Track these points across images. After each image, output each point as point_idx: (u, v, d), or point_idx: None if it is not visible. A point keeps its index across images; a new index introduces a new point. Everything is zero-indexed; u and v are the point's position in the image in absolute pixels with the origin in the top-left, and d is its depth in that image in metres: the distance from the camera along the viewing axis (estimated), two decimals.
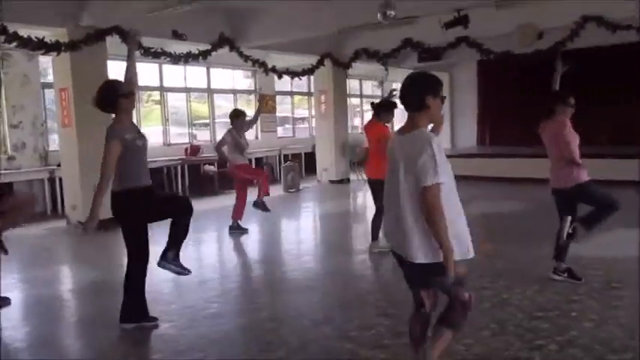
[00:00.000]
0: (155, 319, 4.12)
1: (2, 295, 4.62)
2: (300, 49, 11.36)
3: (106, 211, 3.84)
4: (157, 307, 4.34)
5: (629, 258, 5.34)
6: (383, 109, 5.89)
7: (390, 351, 3.45)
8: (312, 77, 13.08)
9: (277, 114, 14.57)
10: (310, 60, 12.01)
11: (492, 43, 10.47)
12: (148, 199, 4.00)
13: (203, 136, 13.03)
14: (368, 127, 6.11)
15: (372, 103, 6.11)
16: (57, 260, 6.83)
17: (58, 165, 9.17)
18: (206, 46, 9.64)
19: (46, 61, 9.77)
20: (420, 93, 2.73)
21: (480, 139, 16.53)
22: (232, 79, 13.65)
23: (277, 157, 13.89)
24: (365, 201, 11.17)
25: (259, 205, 7.49)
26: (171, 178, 11.42)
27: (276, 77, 11.89)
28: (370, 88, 18.29)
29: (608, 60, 11.95)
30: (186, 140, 12.41)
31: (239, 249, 7.00)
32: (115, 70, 10.17)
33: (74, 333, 4.33)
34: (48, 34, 7.64)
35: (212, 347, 3.70)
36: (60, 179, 9.19)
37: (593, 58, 11.25)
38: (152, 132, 12.40)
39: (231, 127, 7.34)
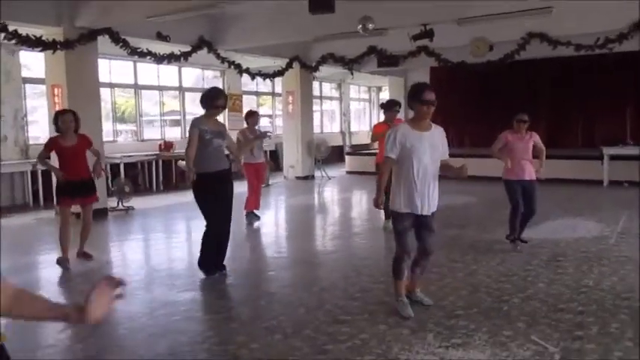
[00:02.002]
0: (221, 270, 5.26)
1: None
2: (270, 52, 12.05)
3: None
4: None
5: (569, 239, 6.46)
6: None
7: (389, 305, 4.29)
8: (275, 79, 13.79)
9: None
10: (279, 62, 12.73)
11: (448, 53, 11.58)
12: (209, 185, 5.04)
13: (173, 133, 13.50)
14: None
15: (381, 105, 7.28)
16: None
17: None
18: (186, 48, 10.21)
19: (26, 57, 10.07)
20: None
21: None
22: (202, 78, 14.17)
23: None
24: (330, 194, 12.08)
25: (246, 215, 8.06)
26: (144, 172, 11.87)
27: (241, 77, 12.60)
28: (329, 90, 19.20)
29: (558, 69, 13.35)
30: (159, 136, 12.87)
31: (251, 235, 7.66)
32: (104, 68, 10.58)
33: None
34: (44, 32, 8.03)
35: (266, 298, 4.44)
36: (41, 172, 9.50)
37: (540, 68, 12.65)
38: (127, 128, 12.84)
39: (245, 126, 7.96)
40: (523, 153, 5.90)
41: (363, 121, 21.22)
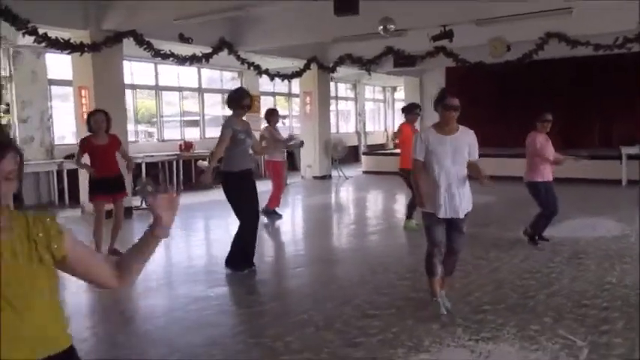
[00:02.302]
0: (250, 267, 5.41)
1: None
2: (288, 53, 12.20)
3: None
4: None
5: (590, 237, 6.51)
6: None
7: (417, 300, 4.39)
8: (293, 80, 13.94)
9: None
10: (297, 63, 12.87)
11: (466, 53, 11.63)
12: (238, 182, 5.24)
13: (193, 134, 13.69)
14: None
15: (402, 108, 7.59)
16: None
17: (66, 157, 9.72)
18: (207, 49, 10.37)
19: (51, 59, 10.30)
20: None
21: None
22: (221, 79, 14.36)
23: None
24: (348, 194, 12.20)
25: (269, 213, 8.21)
26: (165, 172, 12.07)
27: (260, 78, 12.78)
28: (344, 90, 19.32)
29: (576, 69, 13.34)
30: (178, 137, 13.08)
31: (273, 233, 7.82)
32: (128, 70, 10.75)
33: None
34: (71, 35, 8.23)
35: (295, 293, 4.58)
36: (67, 172, 9.74)
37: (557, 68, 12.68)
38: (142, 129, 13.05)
39: (268, 124, 8.18)
40: (549, 153, 6.00)
41: (378, 121, 21.30)
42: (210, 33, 10.22)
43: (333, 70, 13.34)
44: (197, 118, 13.89)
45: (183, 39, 9.70)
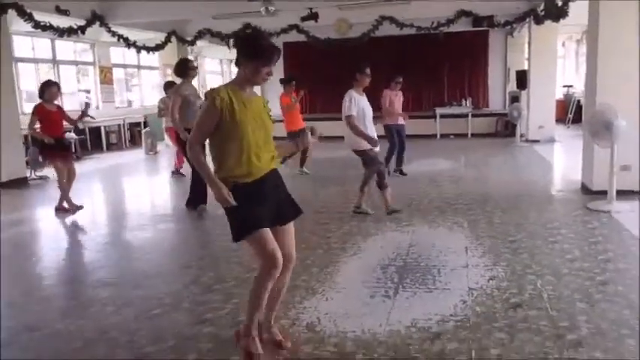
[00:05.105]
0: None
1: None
2: (150, 26, 12.82)
3: None
4: None
5: (435, 170, 9.01)
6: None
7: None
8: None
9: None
10: (158, 36, 13.46)
11: (315, 31, 13.52)
12: None
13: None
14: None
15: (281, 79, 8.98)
16: None
17: None
18: (81, 22, 10.63)
19: None
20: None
21: None
22: (74, 51, 14.19)
23: (122, 125, 14.98)
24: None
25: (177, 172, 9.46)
26: None
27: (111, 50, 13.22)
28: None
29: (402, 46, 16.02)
30: None
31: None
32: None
33: None
34: None
35: None
36: None
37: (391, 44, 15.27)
38: None
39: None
40: (398, 106, 8.30)
41: None
42: (84, 6, 10.52)
43: (192, 43, 14.20)
44: None
45: (60, 11, 9.92)
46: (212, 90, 2.82)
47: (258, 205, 2.82)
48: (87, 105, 7.61)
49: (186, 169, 8.22)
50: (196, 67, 6.59)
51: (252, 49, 2.80)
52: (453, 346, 3.01)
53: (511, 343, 3.01)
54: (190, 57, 14.74)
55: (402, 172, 8.59)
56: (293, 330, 3.28)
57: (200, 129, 2.81)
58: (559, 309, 3.42)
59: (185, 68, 6.47)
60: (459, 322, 3.29)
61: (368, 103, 5.97)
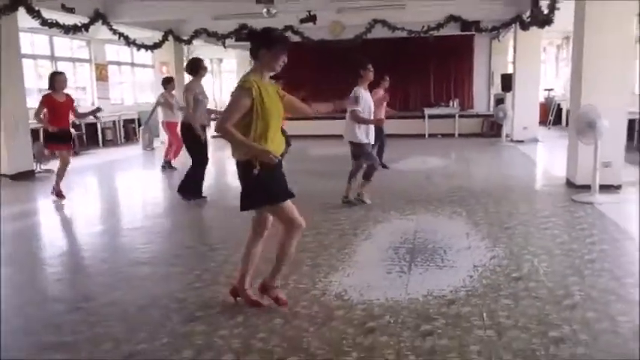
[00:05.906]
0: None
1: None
2: (148, 25, 13.11)
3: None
4: None
5: (426, 167, 9.51)
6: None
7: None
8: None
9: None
10: (156, 35, 13.75)
11: (310, 32, 13.95)
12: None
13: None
14: None
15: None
16: None
17: None
18: (85, 20, 10.90)
19: None
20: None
21: None
22: (70, 48, 14.40)
23: (117, 122, 15.23)
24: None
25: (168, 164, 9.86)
26: None
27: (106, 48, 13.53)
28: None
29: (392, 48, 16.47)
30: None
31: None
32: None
33: None
34: None
35: None
36: None
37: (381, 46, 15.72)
38: None
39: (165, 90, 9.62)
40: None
41: (211, 91, 22.68)
42: (88, 4, 10.81)
43: (189, 42, 14.51)
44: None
45: (66, 9, 10.19)
46: (246, 80, 3.31)
47: (284, 178, 3.43)
48: (98, 109, 7.98)
49: (180, 163, 8.57)
50: (206, 67, 6.97)
51: (272, 39, 3.35)
52: (466, 309, 3.48)
53: (516, 307, 3.50)
54: (185, 55, 15.18)
55: (384, 166, 9.00)
56: (324, 299, 3.72)
57: (233, 113, 3.29)
58: (554, 281, 3.92)
59: (197, 67, 6.85)
60: (470, 292, 3.77)
61: (371, 98, 6.51)
